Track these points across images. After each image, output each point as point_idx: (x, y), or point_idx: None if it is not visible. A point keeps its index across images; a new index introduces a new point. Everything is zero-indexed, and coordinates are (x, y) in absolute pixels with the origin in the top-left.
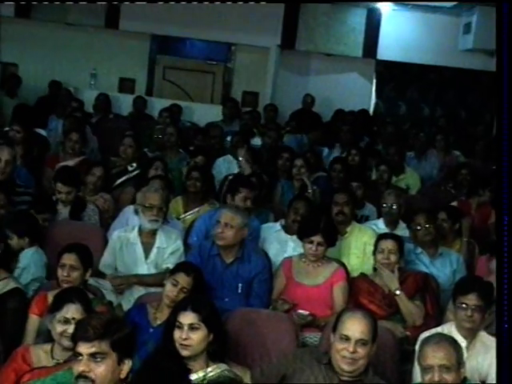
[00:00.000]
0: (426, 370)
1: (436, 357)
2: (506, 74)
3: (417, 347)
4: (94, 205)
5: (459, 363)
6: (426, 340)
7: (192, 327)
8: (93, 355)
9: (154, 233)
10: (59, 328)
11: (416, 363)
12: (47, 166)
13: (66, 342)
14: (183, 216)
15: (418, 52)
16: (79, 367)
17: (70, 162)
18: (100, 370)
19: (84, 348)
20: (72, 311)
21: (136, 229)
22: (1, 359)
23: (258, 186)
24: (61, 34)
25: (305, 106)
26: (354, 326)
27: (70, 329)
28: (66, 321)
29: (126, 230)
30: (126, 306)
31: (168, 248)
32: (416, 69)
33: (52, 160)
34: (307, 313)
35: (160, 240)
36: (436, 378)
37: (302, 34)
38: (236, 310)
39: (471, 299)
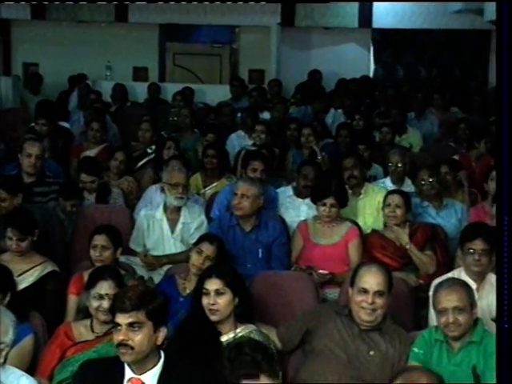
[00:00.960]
0: (440, 312)
1: (449, 300)
2: (506, 74)
3: (431, 293)
4: (118, 188)
5: (471, 304)
6: (439, 285)
7: (218, 292)
8: (131, 325)
9: (178, 209)
10: (95, 304)
11: (431, 308)
12: (73, 156)
13: (102, 317)
14: (203, 191)
15: (411, 18)
16: (119, 336)
17: (94, 151)
18: (138, 337)
19: (122, 319)
20: (105, 287)
21: (161, 206)
22: (45, 337)
23: (270, 157)
24: (75, 32)
25: (312, 81)
26: (371, 279)
27: (105, 304)
28: (101, 297)
29: (152, 209)
30: (157, 279)
31: (193, 223)
32: (410, 34)
33: (77, 150)
34: (326, 272)
35: (184, 216)
36: (450, 320)
37: (301, 11)
38: (258, 274)
39: (477, 244)
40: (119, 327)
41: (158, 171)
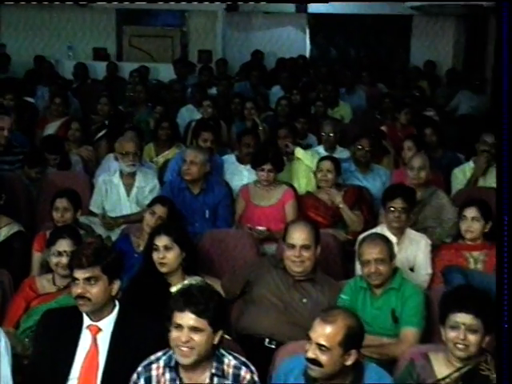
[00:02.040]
0: (364, 263)
1: (371, 252)
2: (506, 74)
3: (356, 247)
4: (77, 156)
5: (390, 256)
6: (363, 239)
7: (166, 248)
8: (87, 279)
9: (133, 175)
10: (54, 260)
11: (357, 260)
12: (37, 128)
13: (62, 271)
14: (155, 159)
15: (342, 4)
16: (77, 290)
17: (56, 123)
18: (94, 290)
19: (79, 274)
20: (63, 245)
21: (117, 172)
22: (12, 290)
23: (217, 128)
24: (39, 15)
25: (255, 61)
26: (297, 235)
27: (63, 260)
28: (59, 253)
29: (109, 174)
30: (114, 238)
31: (146, 187)
32: (341, 18)
33: (41, 122)
34: (264, 228)
35: (139, 180)
36: (372, 270)
37: None
38: (205, 232)
39: (397, 203)
40: (77, 281)
41: (113, 141)
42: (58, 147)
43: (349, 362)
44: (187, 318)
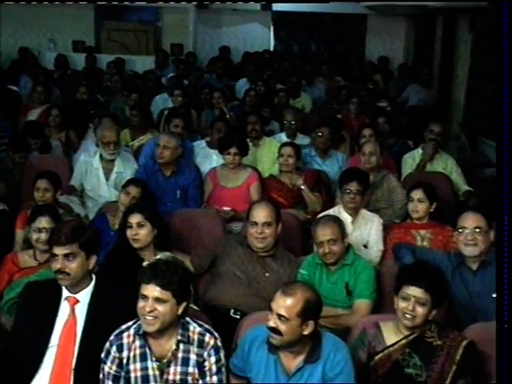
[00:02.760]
0: (318, 244)
1: (324, 234)
2: (506, 74)
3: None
4: (57, 140)
5: (342, 235)
6: (316, 222)
7: (139, 225)
8: (66, 255)
9: (112, 160)
10: (34, 236)
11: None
12: (21, 115)
13: (41, 247)
14: (131, 144)
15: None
16: (57, 265)
17: (38, 110)
18: (72, 265)
19: (58, 250)
20: (42, 222)
21: (97, 156)
22: None
23: (187, 116)
24: (23, 11)
25: (222, 55)
26: (259, 213)
27: (42, 236)
28: (39, 230)
29: (90, 156)
30: (92, 216)
31: (126, 172)
32: (303, 16)
33: (24, 109)
34: (229, 209)
35: (118, 166)
36: (326, 250)
37: None
38: (176, 211)
39: (353, 185)
40: (56, 257)
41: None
42: (39, 132)
43: (306, 332)
44: (152, 290)
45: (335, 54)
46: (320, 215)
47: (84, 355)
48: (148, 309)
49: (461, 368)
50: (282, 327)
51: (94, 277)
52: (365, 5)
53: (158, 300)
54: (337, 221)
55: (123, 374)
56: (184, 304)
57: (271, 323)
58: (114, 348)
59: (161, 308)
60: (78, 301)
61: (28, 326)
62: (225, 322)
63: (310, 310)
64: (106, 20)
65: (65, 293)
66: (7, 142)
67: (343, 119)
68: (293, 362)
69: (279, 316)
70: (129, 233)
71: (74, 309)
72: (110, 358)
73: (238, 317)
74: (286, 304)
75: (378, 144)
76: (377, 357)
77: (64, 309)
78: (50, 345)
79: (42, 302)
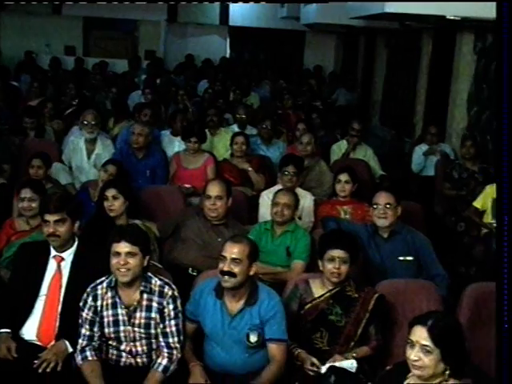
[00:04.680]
0: (274, 205)
1: (283, 198)
2: (506, 74)
3: (260, 200)
4: (50, 127)
5: (295, 205)
6: (279, 190)
7: (114, 197)
8: (56, 221)
9: (94, 143)
10: (19, 204)
11: (260, 211)
12: (20, 106)
13: (27, 213)
14: (111, 131)
15: (254, 19)
16: (49, 229)
17: (35, 102)
18: (62, 229)
19: (50, 217)
20: (24, 193)
21: (83, 138)
22: None
23: (157, 109)
24: (25, 20)
25: (187, 61)
26: (213, 188)
27: (25, 204)
28: (22, 199)
29: (77, 137)
30: (77, 185)
31: (104, 154)
32: (253, 30)
33: (23, 101)
34: (190, 186)
35: (98, 148)
36: (279, 209)
37: (181, 11)
38: (146, 187)
39: (290, 168)
40: (48, 223)
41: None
42: (34, 113)
43: (252, 273)
44: (123, 247)
45: (279, 62)
46: (267, 191)
47: (67, 304)
48: (122, 262)
49: (372, 315)
50: (236, 269)
51: (76, 239)
52: (303, 23)
53: (128, 254)
54: (294, 194)
55: (98, 319)
56: (147, 258)
57: (226, 267)
58: (90, 298)
59: (131, 260)
60: (63, 259)
61: (22, 279)
62: (184, 278)
63: (254, 253)
64: (92, 29)
65: (52, 252)
66: (8, 128)
67: (283, 115)
68: (235, 305)
69: (233, 259)
70: (105, 204)
71: (60, 265)
72: (87, 306)
73: (194, 274)
74: (237, 249)
75: (312, 135)
76: (306, 306)
77: (52, 265)
78: (39, 294)
79: (33, 259)
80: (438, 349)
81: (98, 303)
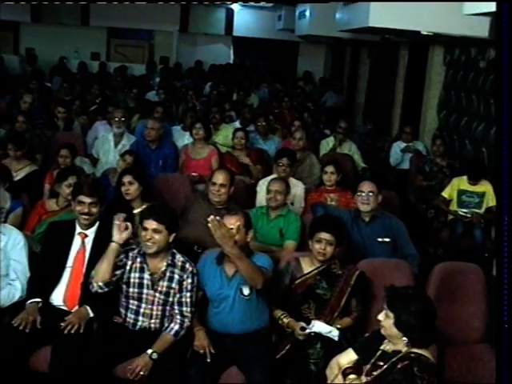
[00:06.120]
0: (268, 192)
1: (275, 186)
2: (506, 74)
3: (257, 188)
4: (77, 122)
5: (286, 191)
6: (272, 179)
7: (130, 183)
8: (90, 203)
9: (121, 136)
10: (66, 190)
11: (257, 196)
12: (52, 104)
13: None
14: (132, 125)
15: (255, 30)
16: (84, 209)
17: (65, 99)
18: (94, 210)
19: (85, 199)
20: (72, 179)
21: (111, 133)
22: (30, 208)
23: (168, 106)
24: (57, 29)
25: (197, 66)
26: (217, 176)
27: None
28: (69, 186)
29: (107, 132)
30: (98, 174)
31: (127, 145)
32: (254, 40)
33: (55, 100)
34: (196, 174)
35: (125, 141)
36: (272, 196)
37: (191, 22)
38: (158, 175)
39: (284, 160)
40: (83, 204)
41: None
42: (66, 106)
43: (249, 239)
44: (151, 224)
45: (276, 67)
46: (263, 179)
47: (90, 274)
48: (148, 237)
49: (354, 290)
50: (236, 237)
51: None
52: (297, 34)
53: (154, 230)
54: (285, 182)
55: (125, 278)
56: (173, 235)
57: None
58: (123, 254)
59: (157, 236)
60: (86, 235)
61: (51, 253)
62: (189, 254)
63: (248, 223)
64: (114, 38)
65: (78, 229)
66: (42, 122)
67: (279, 113)
68: (233, 268)
69: (232, 229)
70: (122, 189)
71: (84, 241)
72: (120, 257)
73: (199, 251)
74: (234, 220)
75: (304, 132)
76: (296, 281)
77: (77, 241)
78: (66, 266)
79: (61, 235)
80: (393, 314)
81: (129, 262)
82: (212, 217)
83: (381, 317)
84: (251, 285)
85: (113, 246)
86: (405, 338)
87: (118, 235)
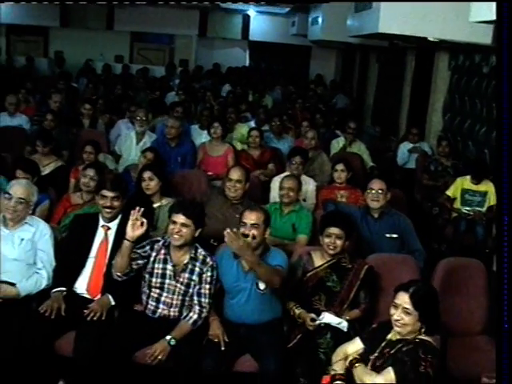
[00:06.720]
0: (281, 189)
1: (287, 183)
2: (506, 74)
3: (271, 185)
4: (101, 120)
5: (298, 188)
6: (284, 177)
7: (150, 179)
8: (113, 197)
9: (143, 135)
10: (82, 180)
11: (271, 193)
12: (79, 103)
13: (85, 188)
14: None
15: (270, 35)
16: (107, 203)
17: (91, 98)
18: (117, 204)
19: (108, 193)
20: (90, 171)
21: (134, 131)
22: (56, 201)
23: (187, 106)
24: (84, 34)
25: (214, 68)
26: (234, 173)
27: (86, 180)
28: (86, 176)
29: (130, 130)
30: (120, 170)
31: (148, 143)
32: (268, 44)
33: (81, 99)
34: (211, 173)
35: (146, 138)
36: (285, 192)
37: (209, 27)
38: (177, 171)
39: (297, 158)
40: (106, 198)
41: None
42: (92, 103)
43: (267, 235)
44: (179, 218)
45: (289, 71)
46: (277, 177)
47: (112, 264)
48: (176, 230)
49: (362, 283)
50: (256, 232)
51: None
52: (309, 39)
53: (183, 225)
54: (297, 179)
55: (148, 268)
56: (199, 230)
57: (247, 231)
58: (148, 247)
59: (184, 230)
60: (109, 228)
61: (76, 243)
62: (206, 247)
63: (268, 219)
64: (137, 41)
65: (101, 222)
66: (68, 120)
67: (292, 114)
68: None
69: (252, 224)
70: (143, 184)
71: (106, 233)
72: (145, 249)
73: (215, 244)
74: (254, 216)
75: (316, 132)
76: (308, 274)
77: (100, 233)
78: (89, 256)
79: (85, 227)
80: (417, 311)
81: (153, 254)
82: (228, 230)
83: (399, 316)
84: (269, 286)
85: (125, 243)
86: (424, 329)
87: (131, 233)
